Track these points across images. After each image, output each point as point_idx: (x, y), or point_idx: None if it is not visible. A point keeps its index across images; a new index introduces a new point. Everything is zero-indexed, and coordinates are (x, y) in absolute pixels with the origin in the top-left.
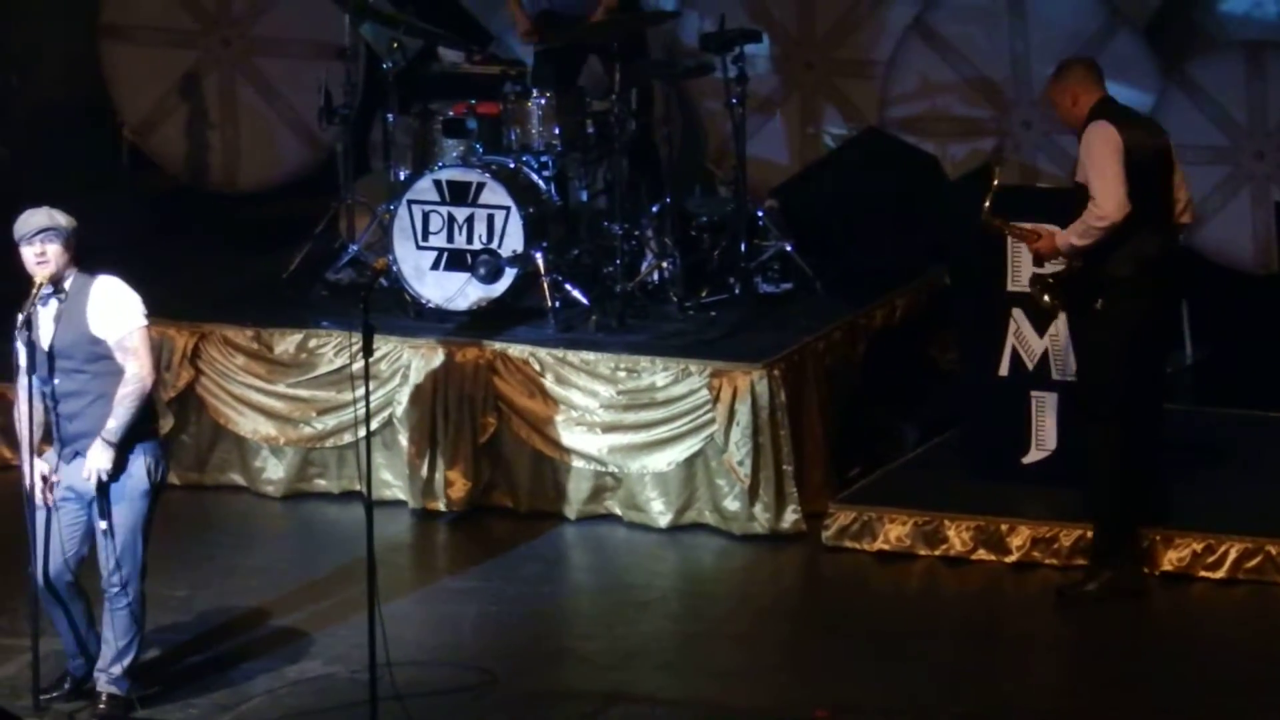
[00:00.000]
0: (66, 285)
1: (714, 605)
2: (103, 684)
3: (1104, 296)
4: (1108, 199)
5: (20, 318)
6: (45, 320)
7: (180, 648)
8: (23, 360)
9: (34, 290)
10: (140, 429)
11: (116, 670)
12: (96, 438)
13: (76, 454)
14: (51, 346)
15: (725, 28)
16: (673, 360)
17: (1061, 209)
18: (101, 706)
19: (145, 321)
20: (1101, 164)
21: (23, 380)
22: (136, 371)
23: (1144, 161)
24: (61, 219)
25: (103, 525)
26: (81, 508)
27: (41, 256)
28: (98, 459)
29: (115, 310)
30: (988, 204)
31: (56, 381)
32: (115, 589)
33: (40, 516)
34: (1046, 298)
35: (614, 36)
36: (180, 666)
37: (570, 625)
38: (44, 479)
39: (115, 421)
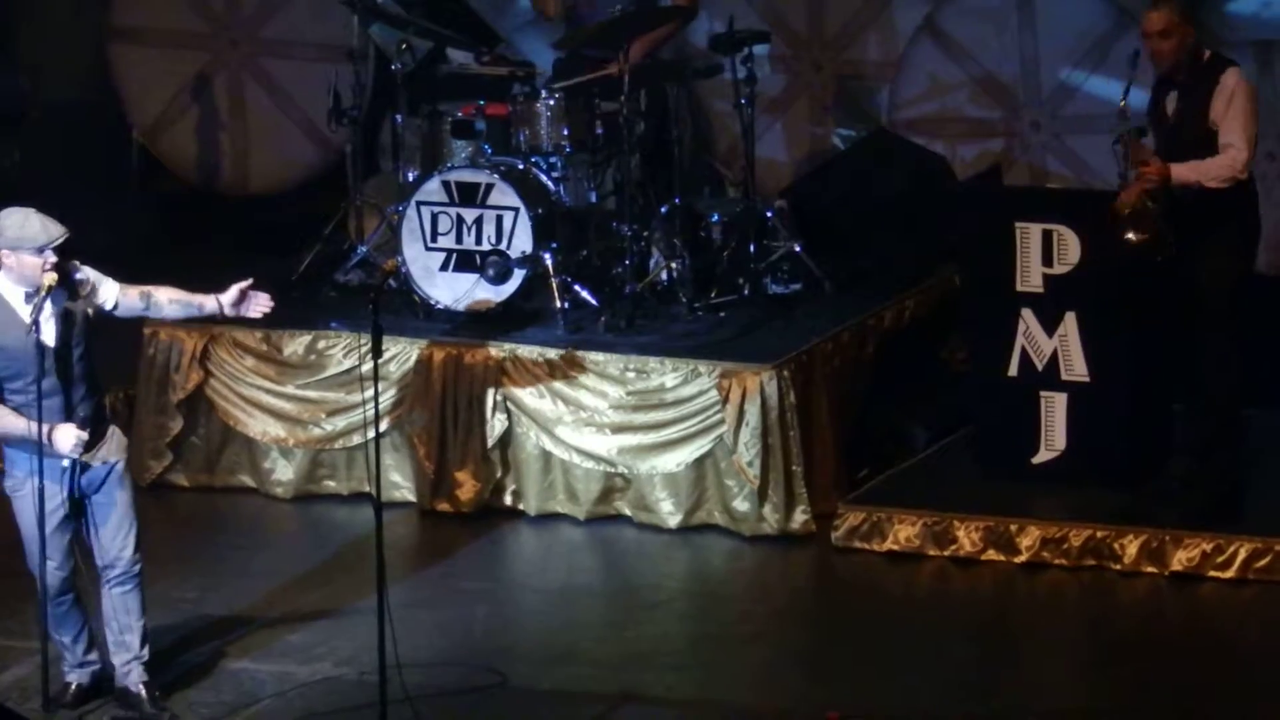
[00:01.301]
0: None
1: (724, 606)
2: (139, 672)
3: (1222, 220)
4: (1248, 145)
5: (28, 323)
6: (43, 320)
7: (189, 649)
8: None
9: (46, 290)
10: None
11: (146, 652)
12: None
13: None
14: (64, 342)
15: (734, 29)
16: (682, 361)
17: (1071, 209)
18: (156, 693)
19: None
20: (1246, 112)
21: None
22: (143, 289)
23: None
24: (57, 229)
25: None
26: (71, 506)
27: (54, 265)
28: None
29: (101, 278)
30: (1124, 102)
31: (69, 376)
32: (135, 569)
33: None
34: (1131, 235)
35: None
36: (189, 667)
37: (580, 626)
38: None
39: (200, 297)
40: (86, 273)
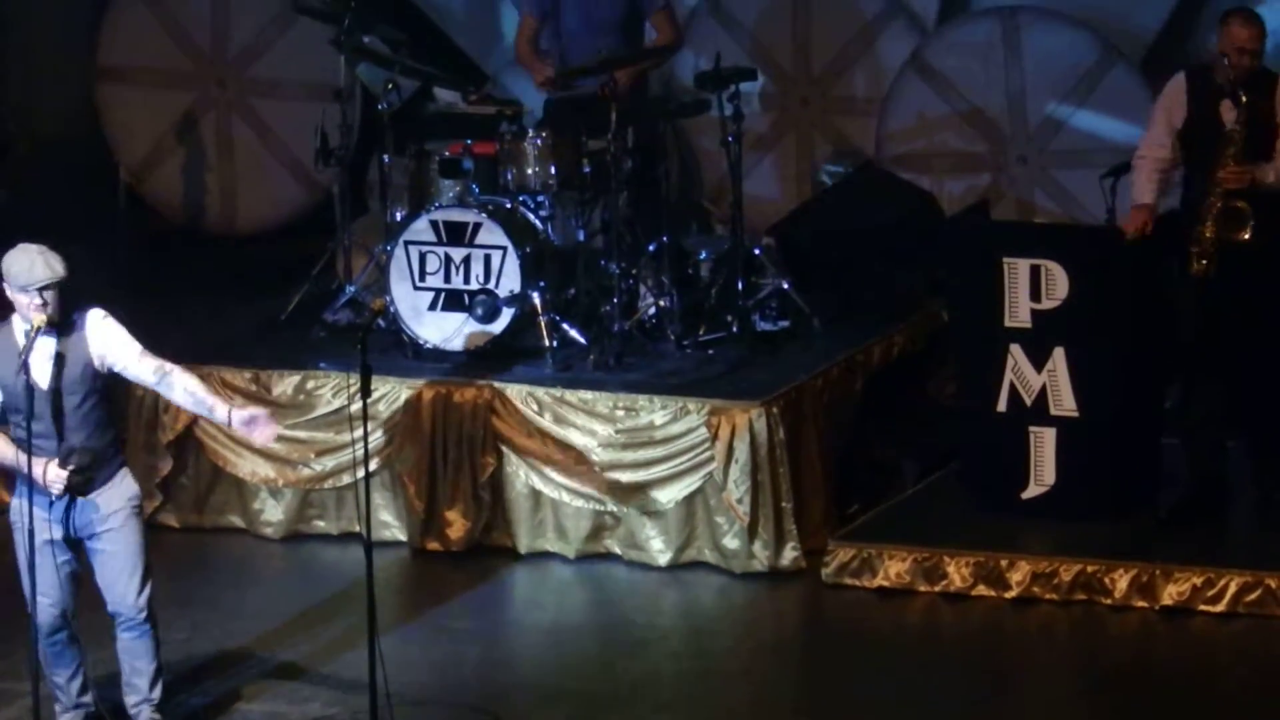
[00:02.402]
0: (67, 324)
1: (714, 643)
2: (148, 713)
3: None
4: None
5: (20, 361)
6: (39, 362)
7: (180, 689)
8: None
9: (32, 333)
10: (117, 447)
11: (156, 694)
12: (105, 467)
13: (62, 496)
14: (57, 385)
15: (721, 66)
16: (671, 398)
17: (1058, 244)
18: None
19: None
20: None
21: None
22: (162, 364)
23: None
24: (60, 267)
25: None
26: (72, 545)
27: (42, 305)
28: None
29: (118, 336)
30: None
31: (62, 420)
32: (140, 616)
33: (26, 557)
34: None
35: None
36: (181, 708)
37: (571, 664)
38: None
39: (214, 399)
40: (100, 325)
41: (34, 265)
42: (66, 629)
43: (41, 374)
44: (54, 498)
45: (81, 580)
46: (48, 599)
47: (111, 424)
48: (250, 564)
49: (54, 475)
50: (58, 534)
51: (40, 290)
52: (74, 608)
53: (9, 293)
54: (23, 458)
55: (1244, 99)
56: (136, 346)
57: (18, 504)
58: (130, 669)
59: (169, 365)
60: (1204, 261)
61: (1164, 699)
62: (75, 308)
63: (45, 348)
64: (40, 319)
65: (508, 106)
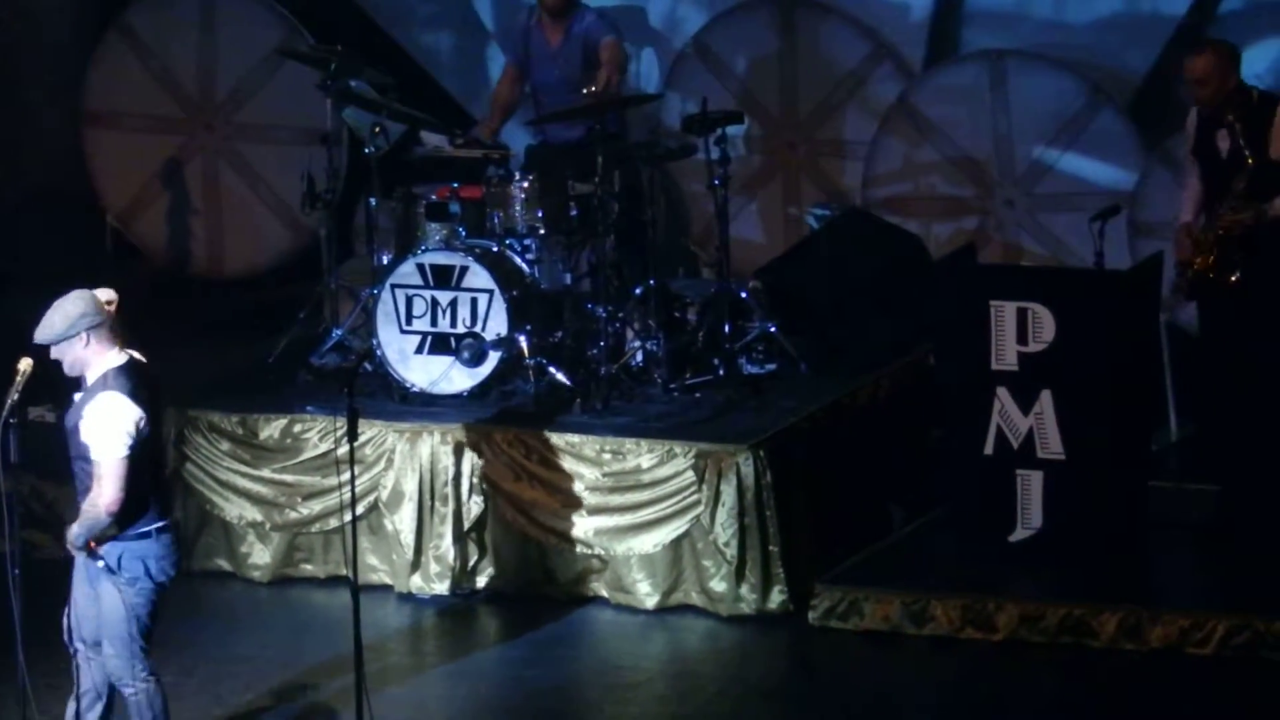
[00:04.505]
0: (89, 377)
1: (702, 687)
2: None
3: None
4: None
5: (10, 402)
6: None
7: None
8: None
9: (20, 375)
10: (121, 530)
11: None
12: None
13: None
14: (72, 438)
15: (708, 109)
16: (658, 442)
17: (1045, 287)
18: None
19: (126, 452)
20: None
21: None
22: (96, 498)
23: None
24: (59, 327)
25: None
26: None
27: (61, 362)
28: (73, 539)
29: (101, 432)
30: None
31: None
32: (132, 679)
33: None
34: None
35: (601, 117)
36: None
37: (558, 708)
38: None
39: (77, 527)
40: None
41: (47, 317)
42: (79, 650)
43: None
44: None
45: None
46: (71, 611)
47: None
48: (237, 607)
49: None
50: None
51: (51, 349)
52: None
53: None
54: None
55: (1237, 126)
56: (107, 463)
57: None
58: None
59: (96, 490)
60: (1180, 292)
61: None
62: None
63: (82, 404)
64: (27, 363)
65: (494, 150)
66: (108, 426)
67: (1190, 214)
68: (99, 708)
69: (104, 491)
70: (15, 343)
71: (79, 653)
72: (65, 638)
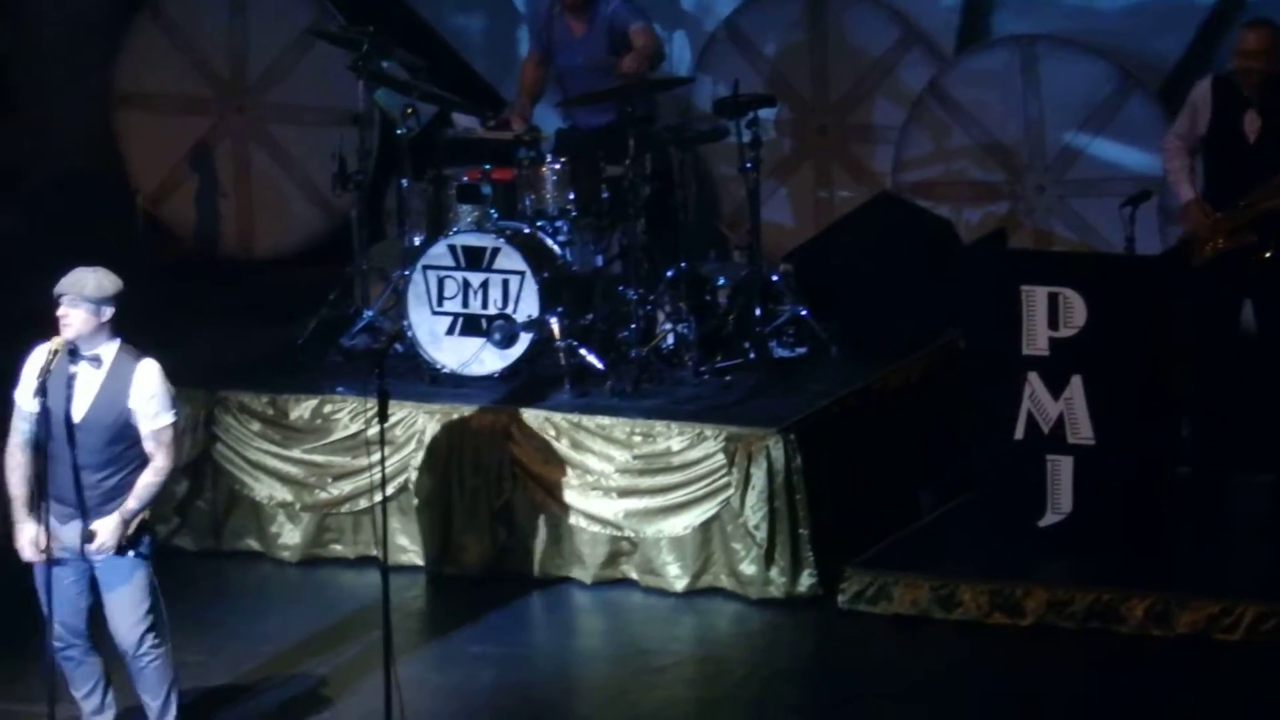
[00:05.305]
0: (105, 357)
1: (730, 670)
2: None
3: None
4: None
5: (37, 383)
6: (81, 389)
7: (195, 715)
8: (24, 422)
9: (52, 353)
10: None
11: None
12: (109, 511)
13: (74, 515)
14: (83, 418)
15: (739, 92)
16: (688, 425)
17: (1076, 273)
18: None
19: (176, 417)
20: None
21: (17, 440)
22: (164, 465)
23: None
24: (89, 285)
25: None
26: (81, 562)
27: (64, 318)
28: (112, 534)
29: (157, 400)
30: None
31: (75, 451)
32: (136, 645)
33: (41, 575)
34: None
35: (632, 101)
36: None
37: (586, 691)
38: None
39: (135, 503)
40: (147, 378)
41: (68, 275)
42: (78, 646)
43: (75, 405)
44: (66, 520)
45: (98, 599)
46: (58, 616)
47: (130, 467)
48: (267, 588)
49: (24, 541)
50: (70, 554)
51: (61, 301)
52: (87, 627)
53: None
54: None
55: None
56: (170, 431)
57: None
58: (142, 701)
59: (161, 459)
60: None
61: None
62: (125, 346)
63: (84, 378)
64: (63, 335)
65: (526, 132)
66: (165, 391)
67: (1194, 189)
68: (109, 694)
69: (168, 456)
70: (47, 324)
71: (75, 651)
72: (55, 644)
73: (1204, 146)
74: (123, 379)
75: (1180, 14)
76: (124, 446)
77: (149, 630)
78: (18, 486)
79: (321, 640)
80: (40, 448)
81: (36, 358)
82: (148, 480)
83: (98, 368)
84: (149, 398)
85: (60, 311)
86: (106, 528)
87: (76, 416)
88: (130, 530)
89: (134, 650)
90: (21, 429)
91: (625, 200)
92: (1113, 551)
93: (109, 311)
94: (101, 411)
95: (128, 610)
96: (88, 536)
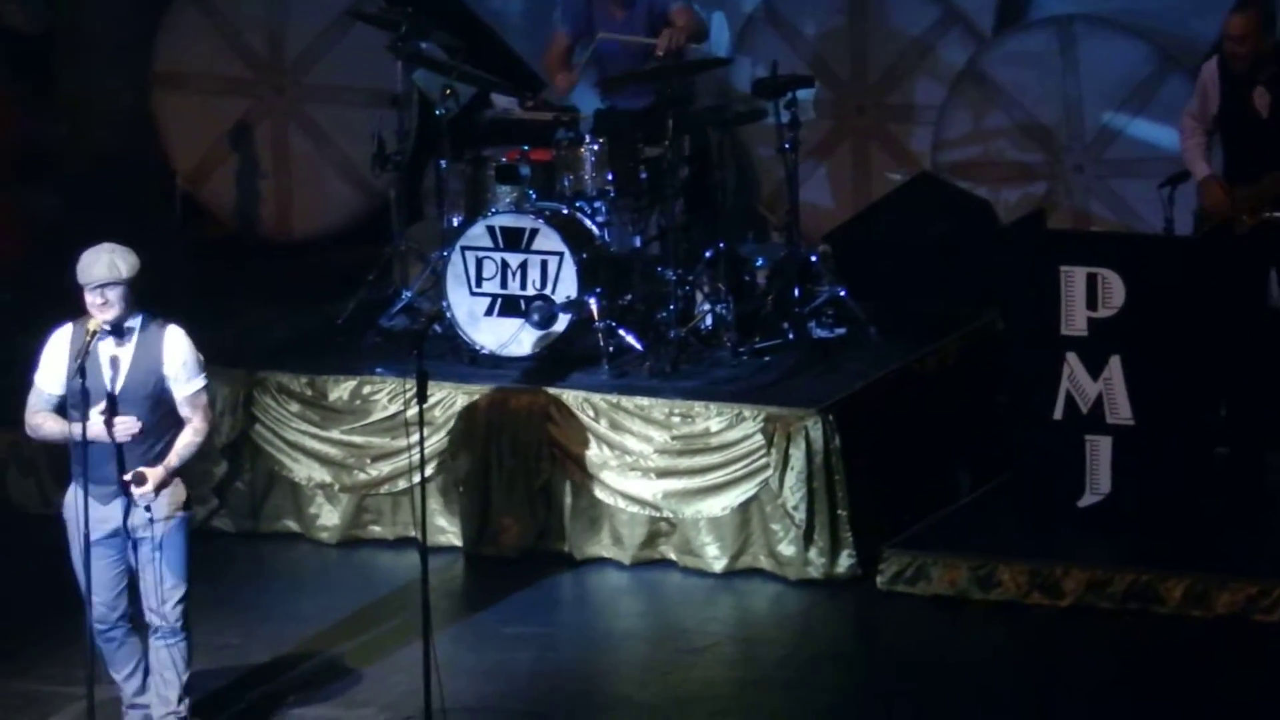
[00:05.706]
0: (133, 329)
1: (769, 651)
2: None
3: None
4: None
5: (74, 365)
6: (109, 364)
7: (233, 695)
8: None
9: (90, 335)
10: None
11: (184, 708)
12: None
13: (116, 494)
14: (120, 389)
15: (778, 73)
16: (727, 405)
17: (1115, 253)
18: None
19: (206, 380)
20: None
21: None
22: (202, 426)
23: None
24: (123, 267)
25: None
26: (123, 543)
27: (105, 304)
28: (157, 478)
29: (190, 364)
30: None
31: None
32: (175, 620)
33: (79, 555)
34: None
35: (671, 81)
36: (234, 713)
37: (624, 672)
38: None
39: (176, 460)
40: (177, 343)
41: (97, 263)
42: (120, 627)
43: (107, 378)
44: (107, 501)
45: (135, 580)
46: (98, 596)
47: (168, 436)
48: (305, 569)
49: (121, 427)
50: (109, 531)
51: (100, 288)
52: (127, 607)
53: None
54: (73, 428)
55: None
56: (204, 393)
57: (72, 500)
58: (161, 679)
59: (199, 421)
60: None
61: (1217, 709)
62: (147, 315)
63: (114, 352)
64: (104, 316)
65: (564, 113)
66: (194, 356)
67: (1209, 165)
68: (148, 677)
69: (208, 419)
70: (78, 305)
71: (117, 631)
72: (97, 625)
73: (1218, 125)
74: (154, 346)
75: None
76: (161, 414)
77: (181, 602)
78: (55, 423)
79: (360, 621)
80: (79, 429)
81: (59, 341)
82: (187, 439)
83: (130, 340)
84: (181, 364)
85: (98, 299)
86: (154, 470)
87: (120, 388)
88: (169, 483)
89: (168, 620)
90: (41, 408)
91: (663, 181)
92: (1151, 532)
93: (137, 285)
94: (139, 382)
95: (166, 581)
96: (137, 479)
